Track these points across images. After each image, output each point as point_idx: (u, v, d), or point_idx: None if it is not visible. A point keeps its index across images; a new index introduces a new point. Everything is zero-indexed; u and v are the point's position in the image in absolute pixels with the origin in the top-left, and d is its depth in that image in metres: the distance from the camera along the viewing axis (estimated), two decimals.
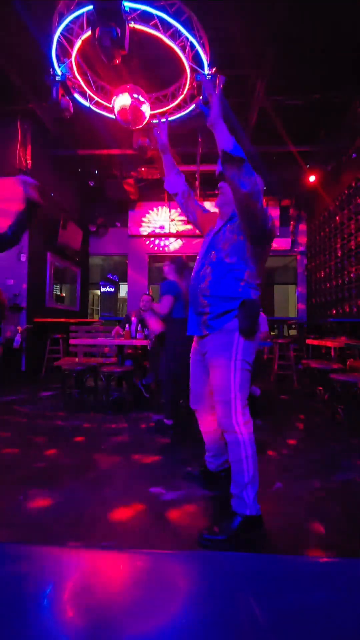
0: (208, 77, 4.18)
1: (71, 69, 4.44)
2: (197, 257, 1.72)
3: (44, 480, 2.05)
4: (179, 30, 3.94)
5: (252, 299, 1.54)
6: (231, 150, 1.29)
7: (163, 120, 1.87)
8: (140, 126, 4.84)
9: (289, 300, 11.57)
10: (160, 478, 2.08)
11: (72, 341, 4.13)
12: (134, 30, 3.82)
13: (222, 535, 1.45)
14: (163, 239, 9.24)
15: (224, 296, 1.55)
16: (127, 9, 3.67)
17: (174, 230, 9.03)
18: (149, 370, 4.40)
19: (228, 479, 1.90)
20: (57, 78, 4.34)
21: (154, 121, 1.90)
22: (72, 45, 4.15)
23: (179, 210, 8.96)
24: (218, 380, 1.57)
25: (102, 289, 11.17)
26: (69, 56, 4.29)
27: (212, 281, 1.57)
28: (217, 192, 1.77)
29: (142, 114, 4.60)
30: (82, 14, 3.84)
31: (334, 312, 6.68)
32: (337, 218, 6.66)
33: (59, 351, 6.14)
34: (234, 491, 1.51)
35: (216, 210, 1.80)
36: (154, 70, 4.98)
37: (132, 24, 3.75)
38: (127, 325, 4.41)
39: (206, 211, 1.95)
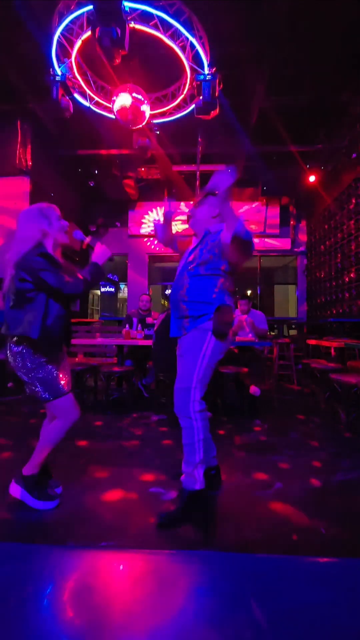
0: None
1: (71, 69, 4.44)
2: (177, 270, 1.94)
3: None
4: (179, 30, 3.94)
5: (227, 304, 1.72)
6: (244, 236, 1.53)
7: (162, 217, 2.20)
8: (140, 126, 4.84)
9: (289, 300, 11.57)
10: (160, 478, 2.08)
11: (72, 341, 4.13)
12: (134, 30, 3.82)
13: (176, 511, 1.63)
14: None
15: (200, 301, 1.74)
16: (127, 9, 3.67)
17: (173, 231, 9.03)
18: (150, 370, 4.40)
19: (218, 477, 1.91)
20: (57, 78, 4.34)
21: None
22: (72, 45, 4.15)
23: (178, 210, 8.98)
24: (183, 369, 1.74)
25: (102, 289, 11.18)
26: (69, 56, 4.29)
27: (190, 289, 1.79)
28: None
29: (142, 113, 4.60)
30: (82, 14, 3.84)
31: (334, 312, 6.68)
32: (337, 218, 6.66)
33: None
34: (186, 469, 1.71)
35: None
36: (154, 70, 4.98)
37: (132, 24, 3.75)
38: (127, 325, 4.41)
39: (182, 237, 2.27)
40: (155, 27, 3.90)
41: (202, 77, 4.33)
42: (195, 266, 1.80)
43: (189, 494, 1.66)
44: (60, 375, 1.75)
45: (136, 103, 4.50)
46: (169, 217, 2.10)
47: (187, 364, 1.72)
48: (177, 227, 9.04)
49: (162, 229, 2.18)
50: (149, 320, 4.46)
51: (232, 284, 1.82)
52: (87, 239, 1.85)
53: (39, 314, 1.61)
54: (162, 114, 5.32)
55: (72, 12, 3.83)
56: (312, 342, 4.93)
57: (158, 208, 9.13)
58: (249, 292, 10.32)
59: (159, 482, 2.01)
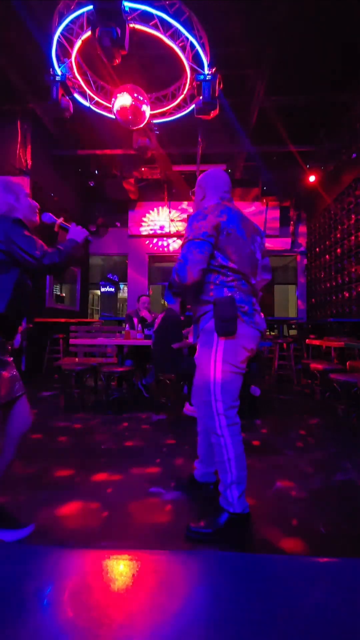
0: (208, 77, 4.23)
1: (71, 69, 4.44)
2: None
3: (45, 480, 2.05)
4: (179, 30, 3.94)
5: (223, 297, 1.51)
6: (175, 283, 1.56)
7: None
8: (140, 126, 4.84)
9: (289, 300, 11.57)
10: (160, 478, 2.08)
11: (72, 341, 4.13)
12: (134, 30, 3.82)
13: (209, 528, 1.48)
14: (163, 239, 9.24)
15: (200, 299, 1.61)
16: (127, 9, 3.66)
17: (174, 230, 9.03)
18: (150, 370, 4.40)
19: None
20: (57, 78, 4.34)
21: None
22: (72, 45, 4.15)
23: (179, 210, 8.99)
24: (200, 381, 1.60)
25: (102, 289, 11.18)
26: (69, 56, 4.29)
27: (191, 288, 1.64)
28: None
29: (142, 113, 4.60)
30: (82, 14, 3.84)
31: (334, 312, 6.68)
32: (337, 218, 6.66)
33: (59, 351, 6.13)
34: (221, 489, 1.54)
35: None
36: (154, 70, 4.98)
37: (132, 24, 3.75)
38: (127, 325, 4.41)
39: None
40: (155, 27, 3.90)
41: (202, 77, 4.33)
42: None
43: (227, 517, 1.49)
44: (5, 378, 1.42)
45: (136, 103, 4.50)
46: None
47: (201, 374, 1.59)
48: (178, 227, 9.05)
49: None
50: (148, 318, 4.46)
51: (240, 274, 1.57)
52: (59, 220, 1.69)
53: (8, 287, 1.39)
54: (162, 114, 5.32)
55: (72, 12, 3.83)
56: (312, 342, 4.93)
57: (158, 208, 9.13)
58: None
59: (159, 482, 2.01)
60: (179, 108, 5.19)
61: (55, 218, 1.68)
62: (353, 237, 5.93)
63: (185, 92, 4.83)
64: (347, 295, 6.15)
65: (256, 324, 1.58)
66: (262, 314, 1.69)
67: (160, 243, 9.27)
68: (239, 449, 1.52)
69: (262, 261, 1.69)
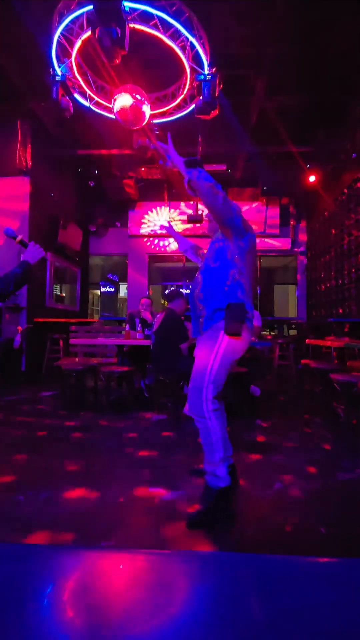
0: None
1: (71, 69, 4.44)
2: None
3: (44, 480, 2.05)
4: (179, 30, 3.93)
5: (237, 302, 1.68)
6: (187, 159, 1.64)
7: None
8: (140, 126, 4.83)
9: (289, 300, 11.55)
10: (161, 478, 2.08)
11: (72, 341, 4.14)
12: (134, 30, 3.82)
13: (204, 510, 1.63)
14: (163, 239, 9.24)
15: (213, 296, 1.74)
16: (127, 9, 3.66)
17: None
18: (149, 371, 4.40)
19: (234, 476, 1.89)
20: (57, 78, 4.33)
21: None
22: (72, 45, 4.15)
23: (178, 210, 9.00)
24: (196, 368, 1.73)
25: (102, 289, 11.18)
26: (69, 56, 4.29)
27: (203, 286, 1.79)
28: None
29: (142, 114, 4.60)
30: (82, 14, 3.84)
31: (334, 312, 6.68)
32: (337, 218, 6.66)
33: (59, 351, 6.13)
34: (208, 469, 1.68)
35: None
36: (154, 70, 4.97)
37: (132, 24, 3.75)
38: (127, 325, 4.41)
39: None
40: (155, 27, 3.89)
41: (202, 77, 4.33)
42: (206, 262, 1.83)
43: (215, 493, 1.65)
44: None
45: (136, 103, 4.49)
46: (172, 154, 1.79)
47: (200, 363, 1.72)
48: (178, 227, 9.04)
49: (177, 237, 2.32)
50: (149, 320, 4.46)
51: (248, 279, 1.77)
52: (19, 237, 1.78)
53: None
54: (162, 114, 5.32)
55: (72, 12, 3.82)
56: (312, 342, 4.93)
57: (158, 208, 9.12)
58: None
59: (159, 482, 2.02)
60: (179, 108, 5.19)
61: (16, 233, 1.78)
62: (353, 237, 5.93)
63: (185, 92, 4.83)
64: (347, 295, 6.15)
65: (250, 330, 1.77)
66: (257, 312, 1.83)
67: (160, 243, 9.27)
68: (224, 429, 1.68)
69: None
